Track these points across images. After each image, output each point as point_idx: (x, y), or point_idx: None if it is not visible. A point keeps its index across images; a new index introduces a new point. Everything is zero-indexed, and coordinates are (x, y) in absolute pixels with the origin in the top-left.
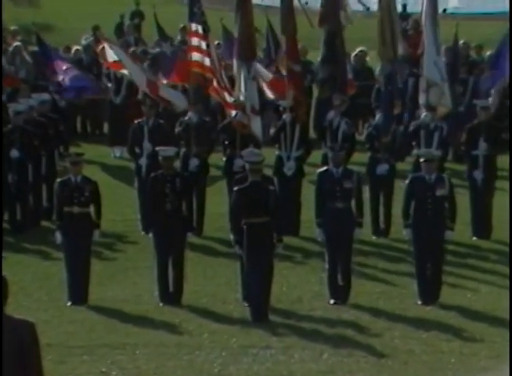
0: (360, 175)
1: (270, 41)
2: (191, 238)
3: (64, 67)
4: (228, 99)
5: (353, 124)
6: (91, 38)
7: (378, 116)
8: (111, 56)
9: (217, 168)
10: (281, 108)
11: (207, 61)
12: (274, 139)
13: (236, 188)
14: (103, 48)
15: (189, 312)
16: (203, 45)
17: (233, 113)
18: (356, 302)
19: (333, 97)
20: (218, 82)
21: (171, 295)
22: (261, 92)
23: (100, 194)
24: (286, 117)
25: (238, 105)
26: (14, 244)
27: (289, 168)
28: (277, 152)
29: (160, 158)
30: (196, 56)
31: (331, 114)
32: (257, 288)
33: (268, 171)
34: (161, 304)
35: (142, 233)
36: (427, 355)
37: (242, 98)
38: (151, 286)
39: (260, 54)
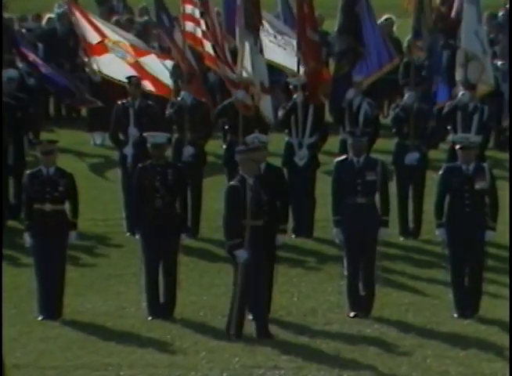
0: (385, 165)
1: (282, 7)
2: (185, 240)
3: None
4: (230, 75)
5: (377, 104)
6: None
7: (407, 95)
8: (90, 34)
9: (215, 158)
10: (291, 86)
11: (198, 31)
12: (283, 123)
13: (231, 183)
14: (77, 20)
15: (183, 328)
16: (197, 12)
17: (236, 92)
18: (381, 315)
19: (353, 73)
20: (218, 55)
21: (162, 307)
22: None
23: (77, 189)
24: (297, 96)
25: (241, 83)
26: None
27: (301, 158)
28: (287, 138)
29: (148, 146)
30: (189, 25)
31: (351, 93)
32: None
33: (277, 161)
34: (150, 318)
35: (128, 234)
36: None
37: (245, 74)
38: (138, 296)
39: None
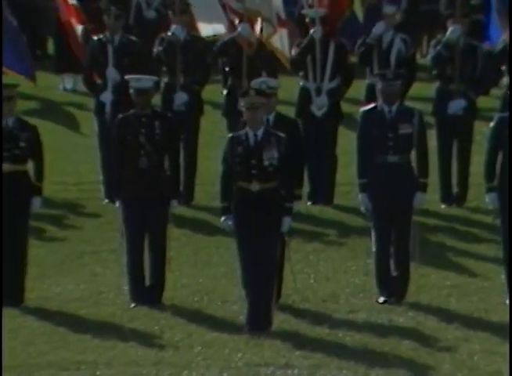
0: (424, 114)
1: None
2: (177, 209)
3: None
4: (235, 4)
5: (413, 40)
6: None
7: (451, 28)
8: None
9: (213, 106)
10: (307, 19)
11: None
12: (297, 64)
13: (230, 135)
14: None
15: (174, 317)
16: None
17: (239, 26)
18: (417, 301)
19: (384, 3)
20: None
21: (148, 292)
22: None
23: (42, 145)
24: (314, 32)
25: (246, 14)
26: None
27: (319, 106)
28: (302, 83)
29: (131, 91)
30: None
31: (380, 27)
32: (254, 283)
33: (289, 110)
34: (133, 305)
35: (105, 201)
36: None
37: (250, 4)
38: (118, 279)
39: None
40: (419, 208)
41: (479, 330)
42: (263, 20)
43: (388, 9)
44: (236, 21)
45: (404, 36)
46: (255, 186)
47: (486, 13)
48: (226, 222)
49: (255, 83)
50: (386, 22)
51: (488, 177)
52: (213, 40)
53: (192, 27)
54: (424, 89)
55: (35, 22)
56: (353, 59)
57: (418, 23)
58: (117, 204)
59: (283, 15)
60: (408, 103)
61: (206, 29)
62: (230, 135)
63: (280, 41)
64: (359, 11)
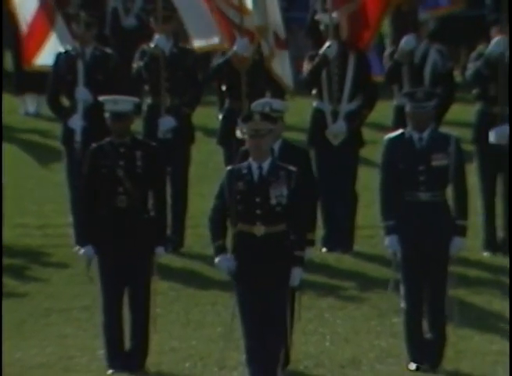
0: (462, 143)
1: None
2: (163, 257)
3: None
4: (237, 19)
5: (450, 53)
6: None
7: (496, 39)
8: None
9: (206, 133)
10: (322, 27)
11: None
12: (310, 81)
13: (229, 168)
14: None
15: None
16: None
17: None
18: (456, 368)
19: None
20: None
21: (128, 357)
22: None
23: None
24: (329, 47)
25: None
26: None
27: (336, 133)
28: (315, 103)
29: (106, 116)
30: None
31: (411, 41)
32: (257, 347)
33: (299, 136)
34: (110, 371)
35: (76, 248)
36: None
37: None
38: (91, 341)
39: None
40: (457, 256)
41: None
42: (261, 37)
43: (423, 14)
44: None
45: (440, 47)
46: (260, 230)
47: None
48: (223, 264)
49: (257, 105)
50: (418, 32)
51: None
52: (206, 51)
53: (182, 39)
54: (463, 112)
55: None
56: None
57: (455, 31)
58: (82, 251)
59: (282, 33)
60: (443, 129)
61: (198, 41)
62: (229, 167)
63: (280, 64)
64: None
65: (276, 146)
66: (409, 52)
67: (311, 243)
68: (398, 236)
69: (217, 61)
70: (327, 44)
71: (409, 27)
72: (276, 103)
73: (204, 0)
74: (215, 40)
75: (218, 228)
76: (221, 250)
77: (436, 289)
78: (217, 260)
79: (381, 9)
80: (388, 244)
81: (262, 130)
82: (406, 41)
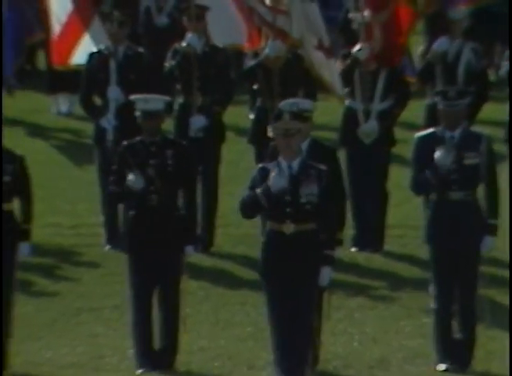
0: (494, 142)
1: None
2: (193, 256)
3: None
4: (270, 17)
5: (484, 51)
6: None
7: None
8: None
9: (238, 133)
10: (354, 26)
11: None
12: (342, 80)
13: (260, 165)
14: None
15: None
16: None
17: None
18: (486, 369)
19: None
20: None
21: (158, 356)
22: None
23: (31, 179)
24: (360, 50)
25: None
26: None
27: (367, 132)
28: (347, 102)
29: (137, 115)
30: None
31: (444, 44)
32: (287, 346)
33: (330, 135)
34: (140, 371)
35: (107, 247)
36: None
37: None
38: (122, 341)
39: None
40: (487, 256)
41: None
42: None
43: (455, 14)
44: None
45: (474, 45)
46: (289, 228)
47: None
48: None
49: (285, 105)
50: (452, 32)
51: None
52: (238, 50)
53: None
54: (496, 111)
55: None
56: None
57: (490, 28)
58: (108, 247)
59: (327, 42)
60: (475, 128)
61: (222, 36)
62: (261, 165)
63: (331, 74)
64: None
65: (305, 145)
66: (442, 53)
67: (340, 242)
68: (428, 236)
69: (249, 63)
70: (358, 46)
71: (441, 27)
72: (303, 103)
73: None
74: (239, 39)
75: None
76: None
77: (467, 289)
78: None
79: (412, 18)
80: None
81: (292, 129)
82: (439, 43)
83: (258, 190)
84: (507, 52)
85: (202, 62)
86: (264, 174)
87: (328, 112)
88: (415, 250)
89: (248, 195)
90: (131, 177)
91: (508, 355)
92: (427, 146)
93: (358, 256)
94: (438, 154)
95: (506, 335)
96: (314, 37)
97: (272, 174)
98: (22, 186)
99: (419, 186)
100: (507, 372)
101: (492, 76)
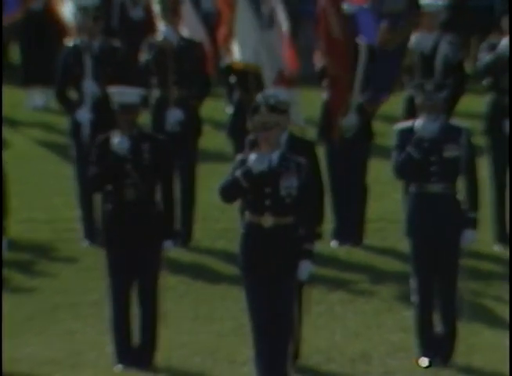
0: (473, 134)
1: None
2: (172, 251)
3: None
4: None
5: (461, 44)
6: None
7: (504, 42)
8: None
9: (215, 126)
10: None
11: None
12: (322, 73)
13: (239, 157)
14: None
15: None
16: None
17: None
18: (468, 363)
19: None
20: None
21: (137, 352)
22: None
23: (6, 174)
24: None
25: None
26: None
27: (347, 126)
28: (324, 96)
29: (114, 108)
30: None
31: (418, 35)
32: (266, 341)
33: (309, 131)
34: (118, 366)
35: (84, 243)
36: None
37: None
38: (100, 337)
39: None
40: (468, 250)
41: None
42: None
43: (431, 7)
44: None
45: (451, 38)
46: (268, 221)
47: None
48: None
49: (262, 97)
50: (428, 25)
51: None
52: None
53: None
54: (473, 103)
55: None
56: None
57: (466, 21)
58: (86, 243)
59: (287, 70)
60: (454, 120)
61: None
62: (240, 156)
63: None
64: None
65: (283, 139)
66: (420, 39)
67: (319, 236)
68: (408, 229)
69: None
70: None
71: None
72: (281, 95)
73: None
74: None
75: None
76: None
77: (447, 282)
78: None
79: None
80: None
81: (269, 122)
82: (415, 41)
83: (238, 172)
84: (484, 45)
85: (178, 55)
86: (244, 164)
87: (307, 106)
88: (395, 244)
89: (228, 179)
90: (116, 140)
91: (488, 348)
92: (407, 138)
93: (338, 250)
94: (420, 123)
95: (487, 329)
96: (273, 71)
97: (252, 157)
98: None
99: (401, 165)
100: (488, 366)
101: (468, 68)
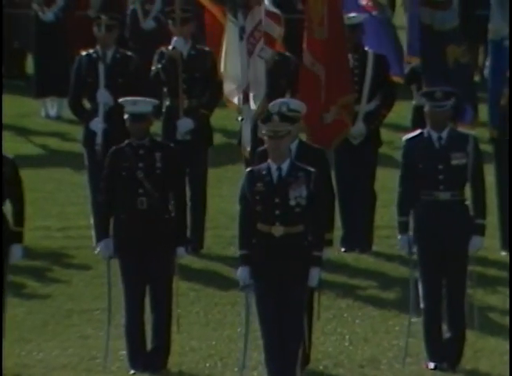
0: (480, 142)
1: None
2: (184, 258)
3: None
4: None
5: (468, 51)
6: None
7: None
8: None
9: (227, 135)
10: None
11: None
12: None
13: (248, 169)
14: None
15: None
16: None
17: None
18: (475, 367)
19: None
20: None
21: (149, 357)
22: None
23: (22, 182)
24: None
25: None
26: None
27: (355, 134)
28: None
29: (126, 118)
30: None
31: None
32: (277, 346)
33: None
34: (132, 372)
35: (97, 250)
36: None
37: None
38: (113, 342)
39: None
40: (475, 256)
41: None
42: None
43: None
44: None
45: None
46: (278, 230)
47: None
48: (243, 274)
49: (274, 105)
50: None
51: None
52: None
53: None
54: (481, 112)
55: (9, 34)
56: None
57: (474, 30)
58: (98, 249)
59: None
60: (462, 129)
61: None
62: (249, 169)
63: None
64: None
65: (293, 147)
66: (427, 47)
67: (329, 243)
68: (416, 236)
69: None
70: None
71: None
72: (293, 103)
73: None
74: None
75: (245, 235)
76: (244, 260)
77: (455, 288)
78: (239, 270)
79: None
80: (402, 244)
81: (281, 131)
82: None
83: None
84: None
85: (188, 65)
86: (252, 178)
87: None
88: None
89: (241, 222)
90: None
91: (495, 353)
92: (415, 146)
93: (346, 257)
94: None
95: (494, 334)
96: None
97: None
98: (14, 189)
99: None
100: (495, 371)
101: (476, 77)
